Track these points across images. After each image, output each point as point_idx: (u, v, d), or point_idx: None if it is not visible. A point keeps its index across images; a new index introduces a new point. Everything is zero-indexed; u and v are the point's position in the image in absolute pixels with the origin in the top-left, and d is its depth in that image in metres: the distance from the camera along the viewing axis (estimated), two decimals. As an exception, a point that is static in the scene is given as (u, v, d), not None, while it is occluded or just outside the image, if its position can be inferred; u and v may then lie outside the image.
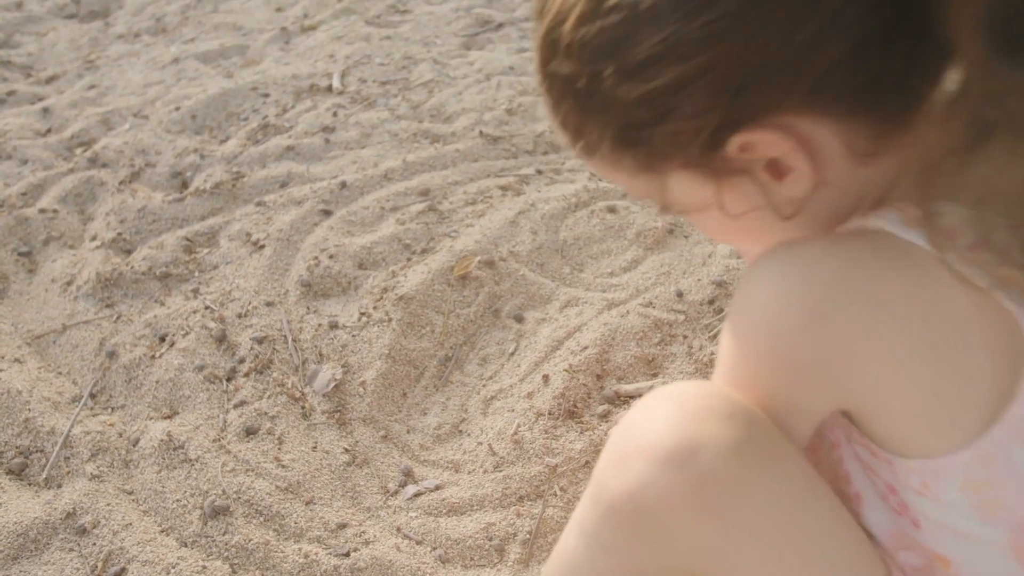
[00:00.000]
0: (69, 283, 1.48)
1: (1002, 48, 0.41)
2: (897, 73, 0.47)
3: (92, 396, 1.25)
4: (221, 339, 1.30)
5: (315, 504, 1.05)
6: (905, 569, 0.60)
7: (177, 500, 1.04)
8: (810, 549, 0.54)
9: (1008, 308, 0.48)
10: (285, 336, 1.31)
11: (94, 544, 0.98)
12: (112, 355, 1.31)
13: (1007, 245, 0.44)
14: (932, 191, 0.46)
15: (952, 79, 0.46)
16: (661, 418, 0.54)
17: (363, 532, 1.01)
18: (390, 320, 1.31)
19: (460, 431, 1.18)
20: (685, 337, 1.27)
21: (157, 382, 1.24)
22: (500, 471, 1.08)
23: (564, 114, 0.55)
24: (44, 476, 1.09)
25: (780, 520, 0.53)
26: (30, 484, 1.09)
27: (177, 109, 2.12)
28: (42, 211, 1.68)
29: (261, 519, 1.02)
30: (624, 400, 1.17)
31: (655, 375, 1.21)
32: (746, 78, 0.46)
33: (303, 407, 1.19)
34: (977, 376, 0.49)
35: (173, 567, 0.95)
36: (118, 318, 1.39)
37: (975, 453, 0.50)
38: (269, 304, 1.38)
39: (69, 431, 1.14)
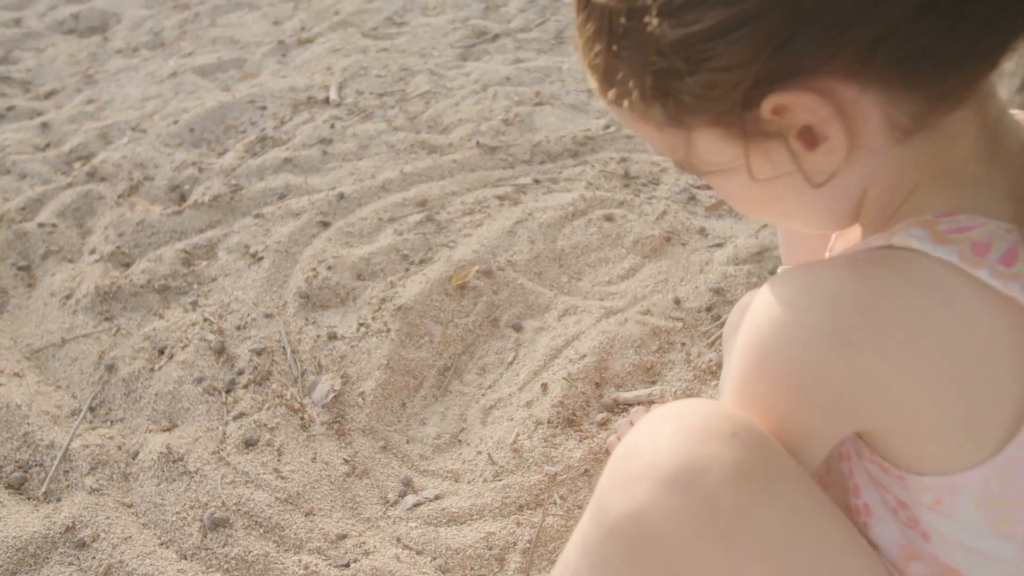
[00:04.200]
0: (68, 297, 1.48)
1: None
2: (958, 48, 0.44)
3: (91, 409, 1.25)
4: (220, 351, 1.30)
5: (315, 515, 1.05)
6: None
7: (177, 513, 1.04)
8: (817, 570, 0.53)
9: None
10: (284, 347, 1.31)
11: (93, 558, 0.98)
12: (111, 368, 1.31)
13: None
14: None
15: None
16: (664, 438, 0.53)
17: (363, 543, 1.01)
18: (389, 330, 1.32)
19: (459, 440, 1.18)
20: (683, 344, 1.27)
21: (156, 395, 1.24)
22: (500, 480, 1.08)
23: (596, 56, 0.52)
24: (43, 490, 1.09)
25: (786, 542, 0.52)
26: (29, 498, 1.09)
27: (175, 122, 2.13)
28: (41, 225, 1.68)
29: (261, 531, 1.02)
30: (623, 408, 1.17)
31: (653, 383, 1.21)
32: (794, 29, 0.43)
33: (302, 418, 1.19)
34: (999, 396, 0.48)
35: (173, 580, 0.95)
36: (117, 331, 1.40)
37: (991, 470, 0.49)
38: (268, 316, 1.38)
39: (68, 445, 1.14)
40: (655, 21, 0.46)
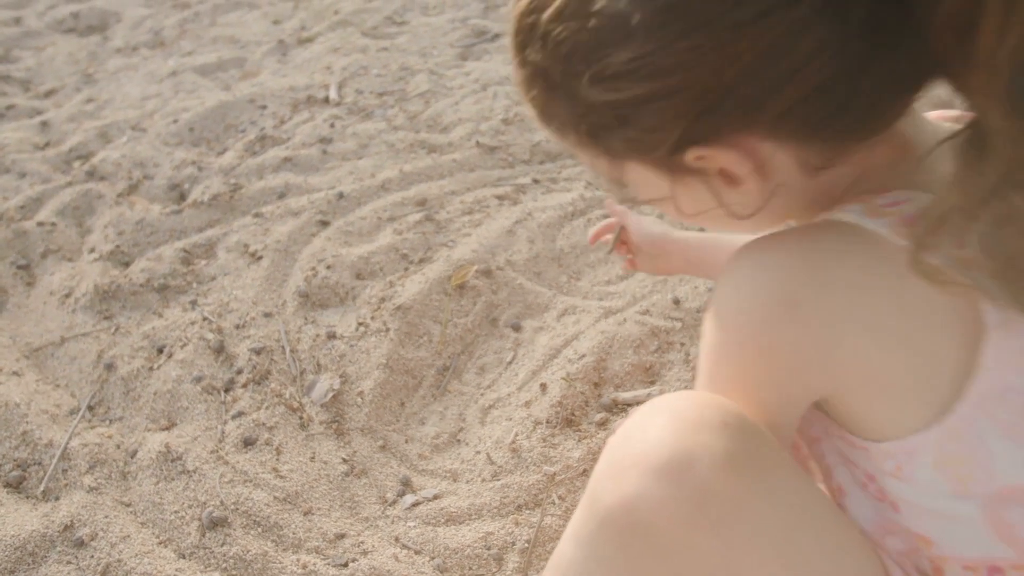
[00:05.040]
0: (67, 296, 1.48)
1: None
2: (861, 107, 0.50)
3: (90, 408, 1.25)
4: (219, 350, 1.30)
5: (313, 514, 1.05)
6: (892, 554, 0.60)
7: (175, 511, 1.04)
8: (810, 553, 0.54)
9: (966, 287, 0.49)
10: (283, 347, 1.31)
11: (92, 556, 0.98)
12: (110, 367, 1.31)
13: (962, 230, 0.46)
14: (938, 232, 0.47)
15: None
16: (656, 430, 0.54)
17: (361, 542, 1.01)
18: (388, 330, 1.32)
19: (458, 440, 1.18)
20: (682, 344, 1.27)
21: (155, 394, 1.24)
22: (498, 480, 1.08)
23: (533, 98, 0.57)
24: (42, 489, 1.09)
25: (778, 527, 0.53)
26: (28, 497, 1.09)
27: (175, 122, 2.13)
28: (40, 224, 1.68)
29: (259, 530, 1.02)
30: (622, 408, 1.17)
31: (652, 383, 1.21)
32: (710, 105, 0.48)
33: (301, 417, 1.19)
34: (941, 354, 0.50)
35: (171, 579, 0.95)
36: (116, 330, 1.40)
37: (944, 430, 0.52)
38: (267, 315, 1.38)
39: (67, 443, 1.14)
40: (587, 85, 0.50)
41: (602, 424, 1.14)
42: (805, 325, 0.51)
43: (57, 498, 1.08)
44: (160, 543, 1.01)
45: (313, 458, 1.13)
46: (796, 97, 0.48)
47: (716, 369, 0.57)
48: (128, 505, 1.07)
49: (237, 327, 1.36)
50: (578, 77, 0.50)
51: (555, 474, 1.06)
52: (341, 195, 1.70)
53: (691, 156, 0.52)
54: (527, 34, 0.53)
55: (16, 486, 1.11)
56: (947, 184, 0.46)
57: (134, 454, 1.14)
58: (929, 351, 0.51)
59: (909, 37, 0.47)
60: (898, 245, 0.49)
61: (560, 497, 1.04)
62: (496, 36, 2.62)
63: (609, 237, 1.12)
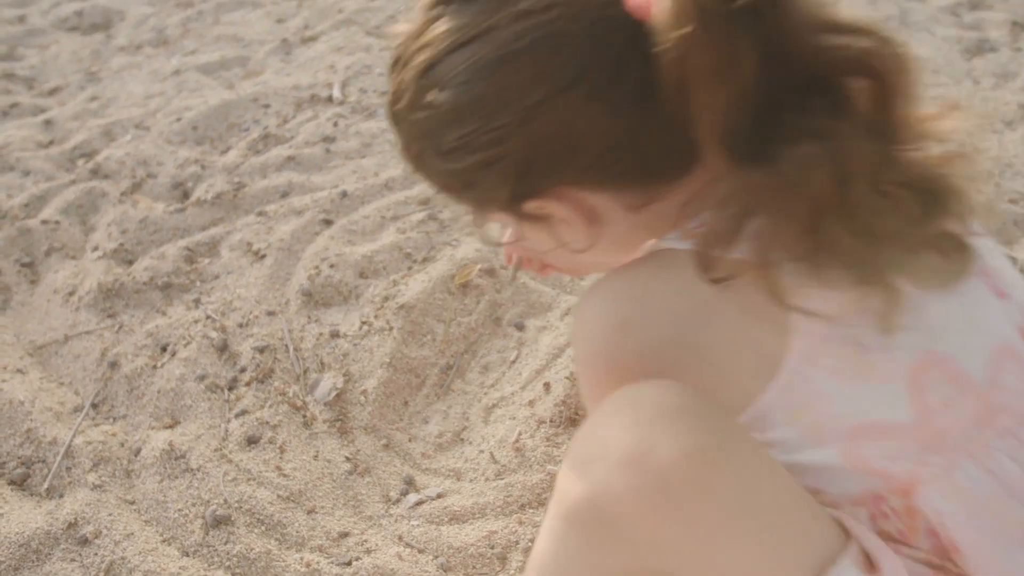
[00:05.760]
0: (71, 294, 1.49)
1: (740, 156, 0.54)
2: (653, 158, 0.60)
3: (94, 406, 1.25)
4: (222, 349, 1.30)
5: (317, 513, 1.05)
6: None
7: (179, 510, 1.04)
8: (775, 528, 0.56)
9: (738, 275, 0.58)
10: (286, 345, 1.31)
11: (96, 554, 0.98)
12: (114, 365, 1.31)
13: (727, 244, 0.56)
14: (707, 245, 0.58)
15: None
16: (616, 420, 0.57)
17: (365, 541, 1.01)
18: (391, 329, 1.32)
19: (462, 439, 1.18)
20: (686, 344, 1.27)
21: (159, 392, 1.24)
22: (502, 479, 1.07)
23: (402, 157, 0.70)
24: (46, 486, 1.09)
25: (742, 507, 0.55)
26: (32, 494, 1.09)
27: (178, 120, 2.13)
28: (44, 222, 1.68)
29: (263, 528, 1.02)
30: (625, 407, 1.17)
31: (656, 382, 1.21)
32: (527, 167, 0.61)
33: (304, 416, 1.19)
34: (757, 326, 0.59)
35: (175, 577, 0.95)
36: (120, 328, 1.40)
37: (779, 386, 0.59)
38: (270, 313, 1.38)
39: (71, 441, 1.14)
40: (435, 159, 0.64)
41: (606, 423, 1.14)
42: (638, 339, 0.61)
43: (61, 496, 1.08)
44: (164, 541, 1.01)
45: (316, 457, 1.13)
46: (591, 157, 0.60)
47: (587, 390, 0.66)
48: (132, 503, 1.07)
49: (240, 326, 1.36)
50: (428, 152, 0.64)
51: (558, 474, 1.06)
52: (344, 194, 1.70)
53: (530, 206, 0.64)
54: (392, 119, 0.67)
55: (20, 484, 1.11)
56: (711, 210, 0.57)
57: (138, 452, 1.14)
58: (746, 327, 0.59)
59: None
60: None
61: (564, 496, 1.04)
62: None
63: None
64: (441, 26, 0.61)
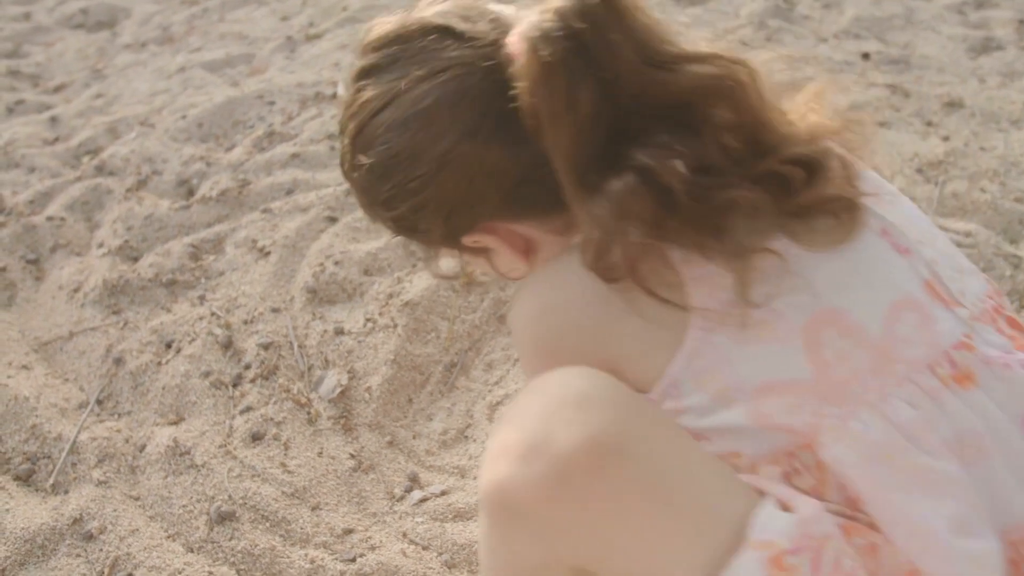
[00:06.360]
0: (76, 290, 1.49)
1: (587, 190, 0.62)
2: (559, 192, 0.65)
3: (99, 402, 1.26)
4: (227, 345, 1.30)
5: (321, 510, 1.05)
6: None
7: (183, 506, 1.04)
8: (682, 506, 0.58)
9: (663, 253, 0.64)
10: (291, 342, 1.32)
11: (101, 550, 0.99)
12: (119, 361, 1.31)
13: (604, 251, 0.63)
14: (588, 249, 0.65)
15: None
16: (524, 409, 0.60)
17: (369, 537, 1.01)
18: (396, 326, 1.32)
19: (466, 436, 1.18)
20: (690, 342, 1.27)
21: (163, 388, 1.24)
22: (506, 476, 1.07)
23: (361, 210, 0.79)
24: (51, 482, 1.10)
25: (643, 489, 0.56)
26: (37, 490, 1.10)
27: (183, 117, 2.14)
28: (49, 219, 1.69)
29: (267, 524, 1.02)
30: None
31: (661, 380, 1.21)
32: (450, 208, 0.69)
33: (309, 413, 1.19)
34: (657, 302, 0.63)
35: (179, 572, 0.95)
36: (125, 325, 1.40)
37: (685, 354, 0.63)
38: (275, 310, 1.38)
39: (76, 437, 1.15)
40: (378, 207, 0.73)
41: (610, 421, 1.14)
42: (558, 321, 0.68)
43: (66, 491, 1.08)
44: (168, 537, 1.01)
45: (321, 453, 1.13)
46: (504, 192, 0.68)
47: (525, 370, 0.73)
48: (137, 499, 1.08)
49: (245, 322, 1.36)
50: (372, 204, 0.73)
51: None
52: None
53: (465, 241, 0.72)
54: (344, 179, 0.76)
55: (26, 479, 1.11)
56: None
57: (143, 448, 1.14)
58: (651, 305, 0.63)
59: None
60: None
61: (568, 494, 1.04)
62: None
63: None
64: (363, 96, 0.70)
